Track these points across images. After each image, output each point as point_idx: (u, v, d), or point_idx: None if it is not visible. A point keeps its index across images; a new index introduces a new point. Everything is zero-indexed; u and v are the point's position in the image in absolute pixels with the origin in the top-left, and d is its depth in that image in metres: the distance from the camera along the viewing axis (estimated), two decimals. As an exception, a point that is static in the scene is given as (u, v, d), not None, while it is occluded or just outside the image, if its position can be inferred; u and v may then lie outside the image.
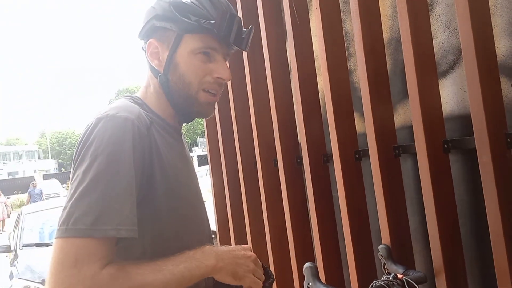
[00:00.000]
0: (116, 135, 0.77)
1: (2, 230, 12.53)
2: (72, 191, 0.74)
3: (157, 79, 0.92)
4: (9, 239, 5.98)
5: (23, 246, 4.87)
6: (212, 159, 2.45)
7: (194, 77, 0.90)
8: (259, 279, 0.86)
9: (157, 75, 0.92)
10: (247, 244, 0.89)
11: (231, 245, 2.27)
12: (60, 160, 57.82)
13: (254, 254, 0.87)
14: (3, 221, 13.00)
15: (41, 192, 14.08)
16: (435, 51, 1.29)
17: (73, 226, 0.70)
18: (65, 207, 0.73)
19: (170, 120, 0.95)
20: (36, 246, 4.87)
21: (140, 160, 0.79)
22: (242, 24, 0.93)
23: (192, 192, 0.93)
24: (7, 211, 13.57)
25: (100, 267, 0.70)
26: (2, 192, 14.48)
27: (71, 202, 0.72)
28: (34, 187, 14.12)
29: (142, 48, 0.96)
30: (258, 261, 0.87)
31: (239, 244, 2.26)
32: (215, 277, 0.81)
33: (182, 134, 1.02)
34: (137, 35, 0.96)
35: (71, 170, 0.79)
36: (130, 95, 0.94)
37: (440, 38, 1.35)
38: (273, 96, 1.84)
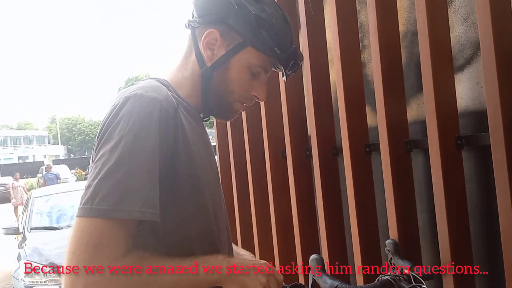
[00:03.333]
0: (143, 115, 0.76)
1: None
2: (97, 170, 0.72)
3: (200, 68, 0.90)
4: (18, 221, 6.08)
5: (31, 229, 4.94)
6: (220, 149, 2.44)
7: (238, 88, 0.91)
8: None
9: (202, 65, 0.90)
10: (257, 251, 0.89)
11: (237, 240, 2.28)
12: (69, 147, 58.45)
13: (269, 270, 0.83)
14: (23, 206, 12.35)
15: (57, 176, 13.44)
16: (452, 44, 1.26)
17: (97, 206, 0.69)
18: (89, 186, 0.72)
19: (195, 107, 0.94)
20: (44, 229, 4.93)
21: (166, 142, 0.78)
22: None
23: (213, 177, 0.93)
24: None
25: (121, 253, 0.70)
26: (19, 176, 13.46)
27: (95, 181, 0.71)
28: (48, 171, 13.60)
29: (190, 23, 0.92)
30: (273, 279, 0.83)
31: (245, 237, 2.26)
32: (223, 286, 0.80)
33: (202, 119, 1.00)
34: (198, 15, 0.91)
35: (94, 149, 0.78)
36: (157, 77, 0.92)
37: (458, 32, 1.32)
38: (283, 87, 1.82)
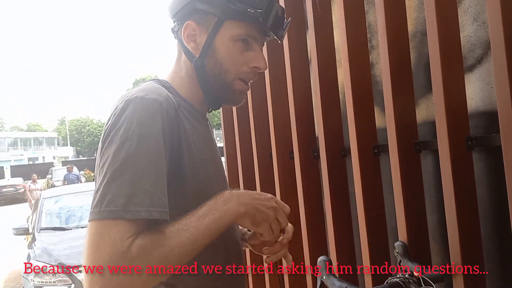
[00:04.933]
0: (145, 117, 0.77)
1: None
2: (103, 174, 0.74)
3: (192, 63, 0.91)
4: (27, 222, 6.14)
5: (41, 230, 4.99)
6: (228, 151, 2.45)
7: (231, 65, 0.90)
8: (275, 230, 0.85)
9: (192, 59, 0.91)
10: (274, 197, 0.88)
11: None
12: (78, 148, 58.96)
13: (276, 205, 0.85)
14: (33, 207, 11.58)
15: (78, 177, 13.42)
16: (462, 44, 1.25)
17: (106, 208, 0.71)
18: (97, 190, 0.74)
19: (198, 105, 0.94)
20: (53, 230, 4.98)
21: (170, 142, 0.80)
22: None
23: (217, 177, 0.94)
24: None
25: (132, 241, 0.71)
26: (36, 178, 13.25)
27: (103, 184, 0.73)
28: (69, 171, 13.53)
29: (173, 29, 0.95)
30: (281, 213, 0.85)
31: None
32: (237, 222, 0.82)
33: (208, 119, 1.01)
34: (172, 16, 0.94)
35: (99, 153, 0.79)
36: (157, 78, 0.93)
37: (468, 31, 1.31)
38: (291, 88, 1.82)
